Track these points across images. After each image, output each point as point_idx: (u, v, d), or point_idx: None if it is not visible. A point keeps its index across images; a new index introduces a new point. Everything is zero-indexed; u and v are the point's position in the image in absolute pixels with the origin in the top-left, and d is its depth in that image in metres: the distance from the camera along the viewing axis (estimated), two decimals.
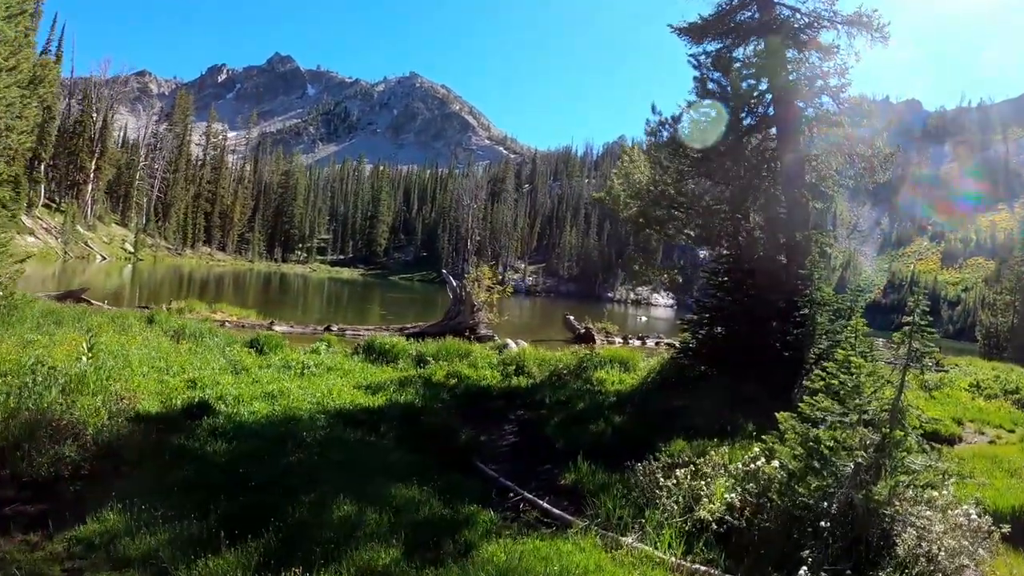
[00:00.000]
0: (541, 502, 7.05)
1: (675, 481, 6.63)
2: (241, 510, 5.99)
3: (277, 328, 22.92)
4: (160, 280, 46.99)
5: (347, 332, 23.56)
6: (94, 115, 71.04)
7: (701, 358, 13.27)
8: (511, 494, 7.46)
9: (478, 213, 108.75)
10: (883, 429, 5.70)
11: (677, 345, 14.40)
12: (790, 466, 5.85)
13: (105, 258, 60.43)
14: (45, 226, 56.57)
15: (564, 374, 14.58)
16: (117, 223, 74.49)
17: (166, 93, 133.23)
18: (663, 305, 75.42)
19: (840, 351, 6.29)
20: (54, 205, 62.88)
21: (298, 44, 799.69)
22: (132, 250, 68.44)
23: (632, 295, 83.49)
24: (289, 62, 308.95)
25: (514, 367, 15.33)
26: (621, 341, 28.35)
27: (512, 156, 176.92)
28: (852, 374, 5.83)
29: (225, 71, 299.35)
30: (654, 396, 12.17)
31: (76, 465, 6.86)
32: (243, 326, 22.16)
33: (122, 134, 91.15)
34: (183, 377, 10.76)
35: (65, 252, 54.83)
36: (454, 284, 26.87)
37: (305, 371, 12.71)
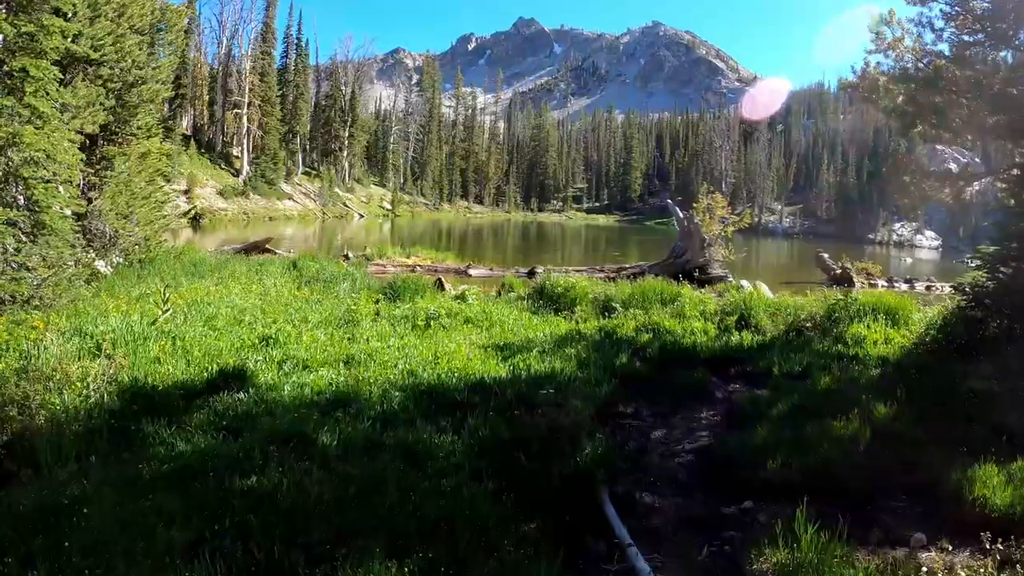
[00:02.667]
0: None
1: None
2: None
3: (473, 272, 20.91)
4: (419, 233, 48.34)
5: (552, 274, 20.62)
6: (343, 88, 76.88)
7: (1003, 309, 8.25)
8: None
9: (731, 156, 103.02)
10: None
11: (967, 289, 8.72)
12: None
13: (363, 216, 64.99)
14: (304, 191, 62.09)
15: (806, 328, 9.85)
16: (376, 184, 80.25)
17: (420, 66, 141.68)
18: (927, 247, 64.62)
19: None
20: (313, 172, 69.01)
21: (540, 5, 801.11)
22: (390, 207, 72.79)
23: (894, 236, 71.97)
24: (534, 24, 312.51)
25: (736, 318, 10.79)
26: (885, 284, 22.30)
27: None
28: None
29: (474, 39, 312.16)
30: (938, 369, 7.46)
31: None
32: (436, 270, 20.30)
33: (377, 105, 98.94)
34: (260, 332, 8.29)
35: (323, 212, 59.79)
36: (680, 215, 22.04)
37: (431, 323, 9.60)
